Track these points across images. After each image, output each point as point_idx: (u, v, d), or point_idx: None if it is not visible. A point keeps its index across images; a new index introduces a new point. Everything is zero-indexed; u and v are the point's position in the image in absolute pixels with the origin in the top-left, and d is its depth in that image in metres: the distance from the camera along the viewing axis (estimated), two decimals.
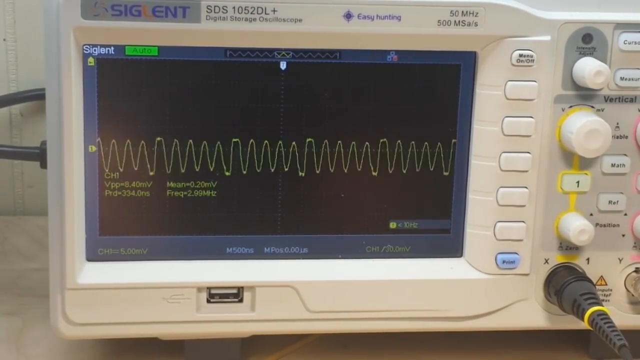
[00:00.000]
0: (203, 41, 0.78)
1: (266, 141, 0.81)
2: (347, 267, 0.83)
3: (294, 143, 0.81)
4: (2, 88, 1.11)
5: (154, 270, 0.81)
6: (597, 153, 0.80)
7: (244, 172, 0.81)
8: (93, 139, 0.79)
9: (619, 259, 0.84)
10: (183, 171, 0.80)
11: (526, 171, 0.81)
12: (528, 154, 0.81)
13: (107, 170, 0.80)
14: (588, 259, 0.84)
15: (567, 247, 0.83)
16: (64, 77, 0.76)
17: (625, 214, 0.83)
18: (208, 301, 0.81)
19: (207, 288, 0.81)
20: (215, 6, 0.76)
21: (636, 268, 0.85)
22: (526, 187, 0.81)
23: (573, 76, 0.80)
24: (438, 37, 0.79)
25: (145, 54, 0.78)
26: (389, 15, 0.77)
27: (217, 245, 0.82)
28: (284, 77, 0.80)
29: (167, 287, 0.81)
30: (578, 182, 0.82)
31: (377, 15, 0.77)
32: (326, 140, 0.81)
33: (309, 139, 0.81)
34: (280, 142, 0.81)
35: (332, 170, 0.82)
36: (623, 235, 0.84)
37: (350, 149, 0.81)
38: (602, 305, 0.80)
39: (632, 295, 0.84)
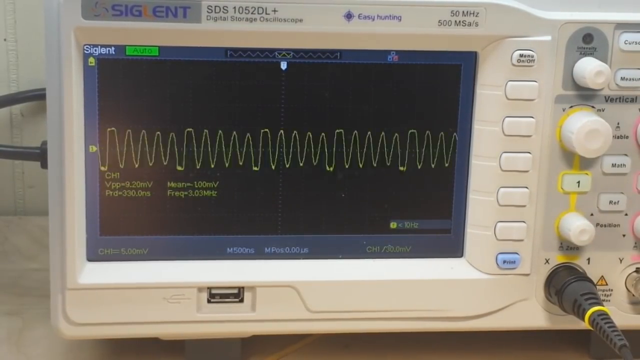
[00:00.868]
0: (204, 41, 0.78)
1: (267, 141, 0.81)
2: (347, 267, 0.83)
3: (294, 143, 0.81)
4: (2, 88, 1.11)
5: (155, 270, 0.81)
6: (598, 153, 0.80)
7: (245, 172, 0.81)
8: (94, 139, 0.79)
9: (619, 259, 0.84)
10: (183, 171, 0.80)
11: (527, 171, 0.81)
12: (528, 154, 0.81)
13: (107, 170, 0.80)
14: (589, 259, 0.84)
15: (568, 247, 0.83)
16: (65, 77, 0.76)
17: (626, 214, 0.83)
18: (208, 301, 0.81)
19: (208, 288, 0.81)
20: (215, 6, 0.76)
21: (637, 268, 0.85)
22: (527, 187, 0.81)
23: (574, 76, 0.80)
24: (438, 37, 0.79)
25: (146, 54, 0.78)
26: (390, 16, 0.77)
27: (218, 245, 0.82)
28: (285, 77, 0.80)
29: (168, 287, 0.81)
30: (579, 182, 0.82)
31: (377, 16, 0.77)
32: (326, 141, 0.81)
33: (310, 139, 0.81)
34: (280, 142, 0.81)
35: (332, 171, 0.82)
36: (624, 236, 0.84)
37: (351, 149, 0.81)
38: (603, 306, 0.80)
39: (633, 295, 0.84)
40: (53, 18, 0.75)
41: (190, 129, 0.80)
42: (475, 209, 0.83)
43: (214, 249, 0.82)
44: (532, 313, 0.84)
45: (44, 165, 0.81)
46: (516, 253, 0.83)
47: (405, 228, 0.84)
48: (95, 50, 0.78)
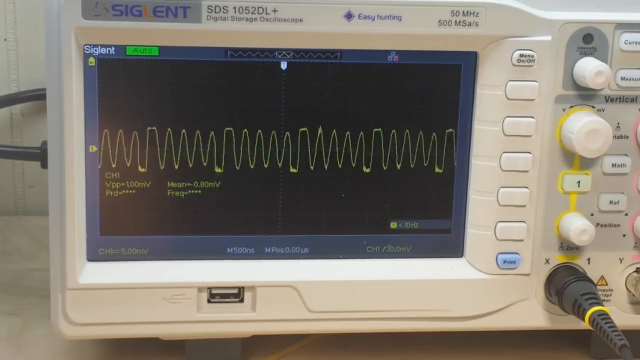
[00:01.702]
0: (204, 41, 0.78)
1: (267, 141, 0.81)
2: (347, 267, 0.83)
3: (294, 143, 0.81)
4: (3, 88, 1.11)
5: (155, 270, 0.81)
6: (598, 153, 0.80)
7: (245, 172, 0.81)
8: (94, 139, 0.79)
9: (619, 259, 0.84)
10: (184, 171, 0.80)
11: (527, 171, 0.81)
12: (529, 154, 0.81)
13: (107, 170, 0.80)
14: (589, 259, 0.84)
15: (568, 247, 0.83)
16: (65, 77, 0.76)
17: (626, 214, 0.83)
18: (209, 301, 0.81)
19: (208, 288, 0.81)
20: (216, 6, 0.76)
21: (637, 268, 0.85)
22: (527, 187, 0.81)
23: (574, 76, 0.80)
24: (439, 37, 0.79)
25: (146, 54, 0.78)
26: (390, 15, 0.77)
27: (218, 245, 0.82)
28: (285, 77, 0.80)
29: (168, 287, 0.81)
30: (579, 182, 0.82)
31: (377, 15, 0.77)
32: (327, 141, 0.81)
33: (310, 139, 0.81)
34: (281, 142, 0.81)
35: (332, 170, 0.82)
36: (624, 236, 0.84)
37: (351, 149, 0.81)
38: (603, 305, 0.80)
39: (633, 295, 0.84)
40: (53, 18, 0.75)
41: (190, 129, 0.80)
42: (476, 208, 0.83)
43: (215, 249, 0.82)
44: (532, 313, 0.84)
45: (44, 165, 0.81)
46: (516, 253, 0.83)
47: (405, 228, 0.84)
48: (96, 50, 0.78)
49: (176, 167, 0.80)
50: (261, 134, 0.81)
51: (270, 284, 0.82)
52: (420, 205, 0.84)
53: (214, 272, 0.82)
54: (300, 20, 0.77)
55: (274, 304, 0.82)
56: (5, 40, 1.10)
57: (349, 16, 0.77)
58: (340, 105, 0.81)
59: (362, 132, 0.81)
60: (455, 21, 0.78)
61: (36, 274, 1.03)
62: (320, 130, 0.81)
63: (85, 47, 0.77)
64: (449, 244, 0.84)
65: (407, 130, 0.82)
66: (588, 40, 0.80)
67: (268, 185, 0.82)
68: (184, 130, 0.80)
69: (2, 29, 1.10)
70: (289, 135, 0.81)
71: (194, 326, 0.82)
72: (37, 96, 1.09)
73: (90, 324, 0.81)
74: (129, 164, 0.80)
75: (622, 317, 0.85)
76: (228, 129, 0.80)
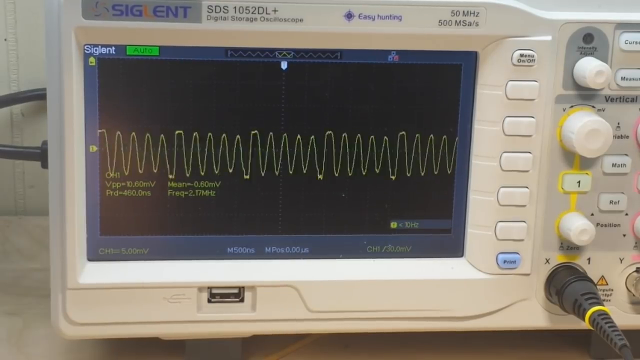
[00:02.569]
0: (204, 41, 0.78)
1: (267, 141, 0.81)
2: (348, 267, 0.83)
3: (294, 143, 0.81)
4: (3, 88, 1.11)
5: (155, 270, 0.81)
6: (598, 153, 0.80)
7: (245, 172, 0.81)
8: (94, 139, 0.79)
9: (620, 258, 0.84)
10: (184, 171, 0.80)
11: (527, 171, 0.81)
12: (529, 154, 0.81)
13: (108, 170, 0.80)
14: (589, 259, 0.84)
15: (568, 247, 0.83)
16: (65, 77, 0.76)
17: (626, 214, 0.83)
18: (209, 301, 0.81)
19: (208, 288, 0.81)
20: (216, 6, 0.76)
21: (637, 268, 0.85)
22: (527, 187, 0.81)
23: (574, 76, 0.80)
24: (439, 37, 0.79)
25: (146, 53, 0.78)
26: (390, 15, 0.77)
27: (218, 245, 0.82)
28: (285, 77, 0.80)
29: (168, 287, 0.81)
30: (579, 182, 0.82)
31: (378, 15, 0.77)
32: (327, 140, 0.81)
33: (310, 139, 0.81)
34: (281, 142, 0.81)
35: (333, 170, 0.82)
36: (624, 235, 0.84)
37: (351, 149, 0.81)
38: (603, 305, 0.80)
39: (633, 295, 0.84)
40: (53, 18, 0.75)
41: (190, 129, 0.80)
42: (476, 208, 0.83)
43: (215, 248, 0.82)
44: (532, 313, 0.84)
45: (45, 165, 0.81)
46: (516, 253, 0.83)
47: (405, 228, 0.84)
48: (96, 50, 0.78)
49: (176, 167, 0.80)
50: (261, 134, 0.81)
51: (270, 284, 0.82)
52: (420, 205, 0.84)
53: (214, 272, 0.82)
54: (301, 20, 0.77)
55: (274, 303, 0.82)
56: (5, 40, 1.10)
57: (349, 16, 0.77)
58: (340, 105, 0.81)
59: (362, 132, 0.81)
60: (456, 21, 0.78)
61: (36, 274, 1.03)
62: (320, 130, 0.81)
63: (85, 46, 0.77)
64: (449, 243, 0.84)
65: (407, 130, 0.82)
66: (588, 40, 0.80)
67: (268, 184, 0.81)
68: (183, 130, 0.80)
69: (2, 28, 1.10)
70: (289, 135, 0.81)
71: (194, 326, 0.82)
72: (38, 96, 1.09)
73: (91, 324, 0.81)
74: (129, 164, 0.80)
75: (623, 317, 0.85)
76: (228, 128, 0.80)
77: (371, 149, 0.82)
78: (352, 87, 0.81)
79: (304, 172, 0.82)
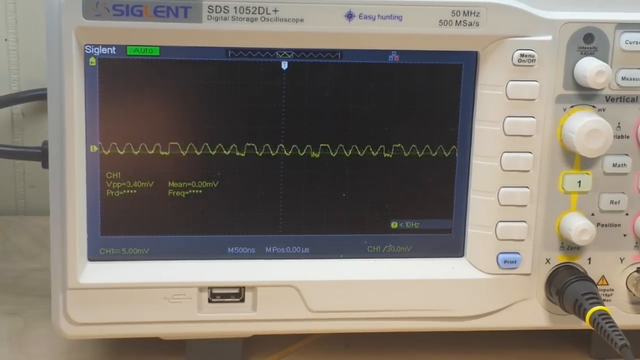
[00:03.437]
0: (204, 41, 0.78)
1: (267, 141, 0.81)
2: (348, 267, 0.83)
3: (295, 143, 0.81)
4: (3, 88, 1.11)
5: (156, 270, 0.81)
6: (599, 153, 0.80)
7: (245, 172, 0.81)
8: (94, 139, 0.79)
9: (620, 258, 0.84)
10: (184, 171, 0.80)
11: (527, 171, 0.81)
12: (529, 154, 0.81)
13: (108, 170, 0.80)
14: (589, 259, 0.84)
15: (569, 247, 0.83)
16: (66, 77, 0.76)
17: (627, 214, 0.83)
18: (209, 301, 0.81)
19: (209, 288, 0.81)
20: (216, 6, 0.76)
21: (638, 268, 0.85)
22: (527, 187, 0.81)
23: (574, 76, 0.80)
24: (439, 37, 0.79)
25: (147, 54, 0.78)
26: (391, 15, 0.77)
27: (219, 245, 0.82)
28: (286, 77, 0.80)
29: (169, 286, 0.81)
30: (579, 181, 0.82)
31: (378, 15, 0.77)
32: (327, 140, 0.81)
33: (311, 139, 0.81)
34: (281, 142, 0.81)
35: (333, 170, 0.82)
36: (624, 235, 0.84)
37: (352, 149, 0.82)
38: (604, 305, 0.80)
39: (634, 295, 0.84)
40: (54, 18, 0.75)
41: (191, 129, 0.80)
42: (476, 208, 0.83)
43: (215, 248, 0.82)
44: (532, 313, 0.84)
45: (45, 165, 0.81)
46: (517, 253, 0.83)
47: (406, 228, 0.84)
48: (96, 50, 0.78)
49: (177, 166, 0.80)
50: (262, 134, 0.81)
51: (271, 284, 0.82)
52: (420, 205, 0.84)
53: (214, 271, 0.82)
54: (301, 20, 0.77)
55: (274, 303, 0.82)
56: (6, 40, 1.10)
57: (349, 16, 0.77)
58: (340, 105, 0.81)
59: (362, 132, 0.81)
60: (456, 21, 0.78)
61: (37, 274, 1.03)
62: (320, 130, 0.81)
63: (86, 47, 0.77)
64: (450, 243, 0.84)
65: (407, 130, 0.82)
66: (589, 40, 0.80)
67: (268, 184, 0.82)
68: (184, 130, 0.80)
69: (2, 29, 1.10)
70: (289, 135, 0.81)
71: (194, 326, 0.82)
72: (38, 96, 1.09)
73: (91, 324, 0.81)
74: (129, 164, 0.80)
75: (623, 316, 0.85)
76: (228, 128, 0.80)
77: (371, 148, 0.82)
78: (353, 87, 0.81)
79: (304, 172, 0.82)
